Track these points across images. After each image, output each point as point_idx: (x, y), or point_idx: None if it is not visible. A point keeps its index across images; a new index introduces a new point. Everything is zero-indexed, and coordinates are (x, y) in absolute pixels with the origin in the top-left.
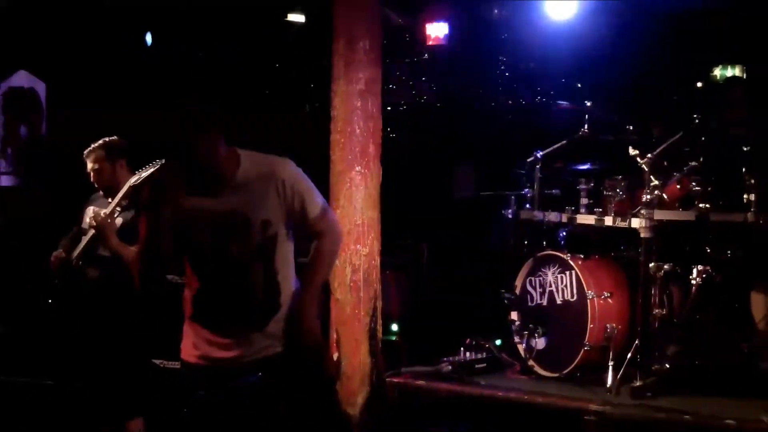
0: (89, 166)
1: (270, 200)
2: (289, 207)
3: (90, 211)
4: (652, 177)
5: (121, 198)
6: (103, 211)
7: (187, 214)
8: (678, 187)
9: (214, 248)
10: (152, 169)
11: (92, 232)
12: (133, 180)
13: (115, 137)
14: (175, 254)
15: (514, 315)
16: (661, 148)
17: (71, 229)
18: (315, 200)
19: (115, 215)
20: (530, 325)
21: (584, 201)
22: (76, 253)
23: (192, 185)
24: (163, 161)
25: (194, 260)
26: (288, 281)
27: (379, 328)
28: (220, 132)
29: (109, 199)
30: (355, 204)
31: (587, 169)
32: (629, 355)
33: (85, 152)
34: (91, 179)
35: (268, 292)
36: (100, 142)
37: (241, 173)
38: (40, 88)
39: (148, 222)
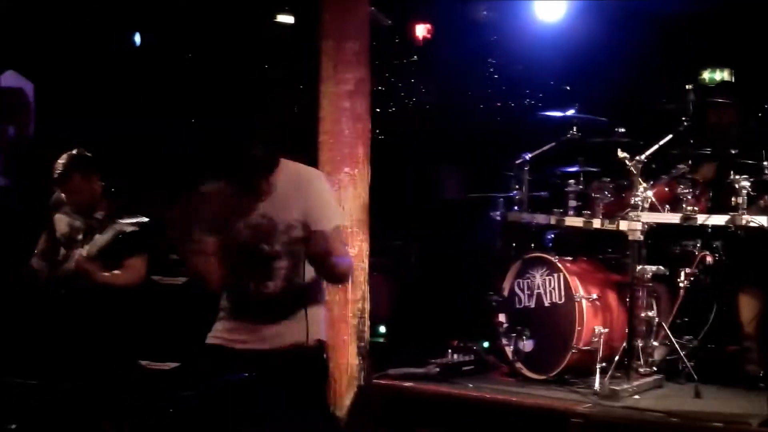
0: (63, 188)
1: (296, 205)
2: (309, 215)
3: (62, 222)
4: (640, 179)
5: (104, 245)
6: (85, 254)
7: (229, 213)
8: (666, 189)
9: (245, 245)
10: (133, 228)
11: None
12: (112, 233)
13: (78, 149)
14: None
15: (501, 317)
16: (650, 150)
17: (41, 234)
18: (331, 216)
19: (93, 253)
20: (518, 328)
21: (572, 203)
22: (57, 276)
23: (237, 189)
24: (146, 220)
25: (230, 254)
26: (312, 287)
27: (367, 330)
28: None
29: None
30: (344, 206)
31: (575, 171)
32: (617, 357)
33: (57, 174)
34: (67, 201)
35: (289, 288)
36: (71, 161)
37: (277, 180)
38: (29, 88)
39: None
